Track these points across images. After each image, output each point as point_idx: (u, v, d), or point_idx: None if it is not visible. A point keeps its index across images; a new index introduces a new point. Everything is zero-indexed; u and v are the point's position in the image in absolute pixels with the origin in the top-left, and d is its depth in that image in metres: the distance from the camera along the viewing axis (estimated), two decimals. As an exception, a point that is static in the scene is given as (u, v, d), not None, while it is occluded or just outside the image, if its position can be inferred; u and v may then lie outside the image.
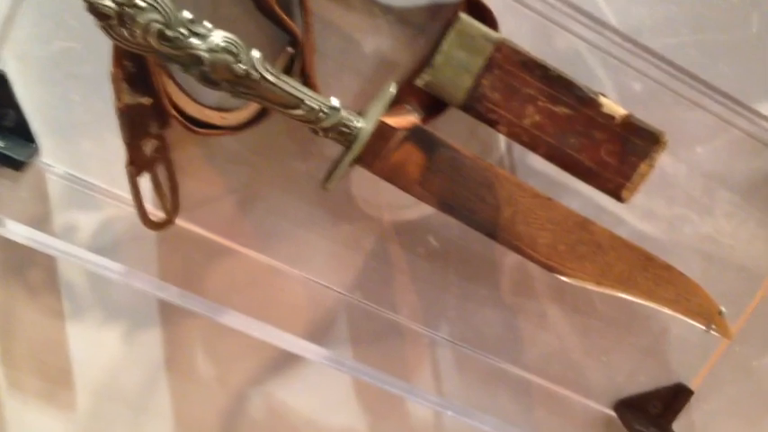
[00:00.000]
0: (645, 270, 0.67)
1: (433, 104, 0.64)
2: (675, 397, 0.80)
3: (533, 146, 0.63)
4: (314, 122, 0.57)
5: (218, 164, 0.66)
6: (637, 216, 0.72)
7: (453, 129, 0.65)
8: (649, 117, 0.63)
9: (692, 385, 0.79)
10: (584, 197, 0.70)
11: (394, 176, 0.61)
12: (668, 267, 0.67)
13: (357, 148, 0.58)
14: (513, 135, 0.62)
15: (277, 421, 0.75)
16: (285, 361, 0.74)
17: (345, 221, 0.70)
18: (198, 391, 0.73)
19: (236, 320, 0.65)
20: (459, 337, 0.75)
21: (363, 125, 0.58)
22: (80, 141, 0.63)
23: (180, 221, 0.66)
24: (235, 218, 0.68)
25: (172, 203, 0.64)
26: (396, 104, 0.64)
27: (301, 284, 0.71)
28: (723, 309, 0.69)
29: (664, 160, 0.70)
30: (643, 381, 0.79)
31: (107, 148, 0.62)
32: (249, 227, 0.68)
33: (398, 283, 0.72)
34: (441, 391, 0.76)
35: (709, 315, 0.69)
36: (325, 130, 0.58)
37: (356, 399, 0.76)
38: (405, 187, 0.61)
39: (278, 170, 0.67)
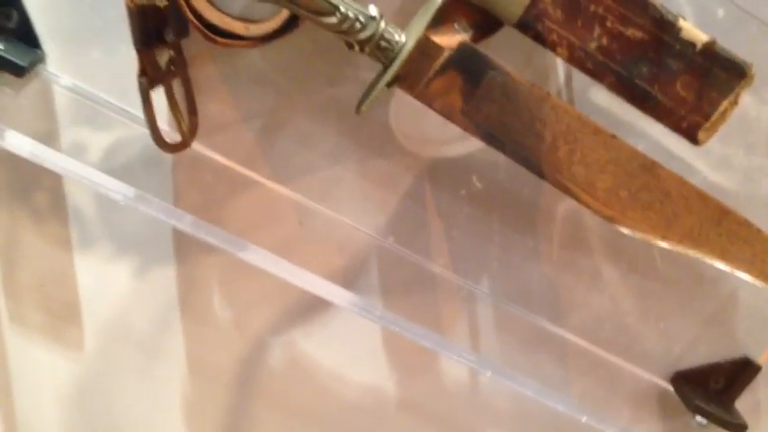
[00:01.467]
0: (718, 225, 0.60)
1: (485, 22, 0.57)
2: (741, 372, 0.73)
3: (598, 75, 0.56)
4: (349, 33, 0.51)
5: (241, 84, 0.60)
6: (709, 164, 0.65)
7: (507, 52, 0.58)
8: (731, 50, 0.56)
9: (761, 360, 0.72)
10: (650, 139, 0.63)
11: (437, 102, 0.55)
12: (746, 224, 0.60)
13: (397, 66, 0.52)
14: (576, 61, 0.55)
15: (298, 372, 0.70)
16: (309, 308, 0.69)
17: (380, 156, 0.64)
18: (214, 336, 0.68)
19: (257, 256, 0.60)
20: (501, 292, 0.69)
21: (405, 40, 0.52)
22: (89, 50, 0.58)
23: (198, 146, 0.61)
24: (258, 145, 0.62)
25: (189, 125, 0.59)
26: (444, 22, 0.57)
27: (329, 224, 0.65)
28: (805, 274, 0.62)
29: (745, 101, 0.62)
30: (704, 352, 0.72)
31: (119, 60, 0.56)
32: (274, 156, 0.63)
33: (436, 229, 0.66)
34: (477, 351, 0.70)
35: (789, 281, 0.62)
36: (362, 44, 0.52)
37: (385, 353, 0.71)
38: (448, 114, 0.55)
39: (308, 95, 0.61)
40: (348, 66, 0.60)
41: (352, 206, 0.65)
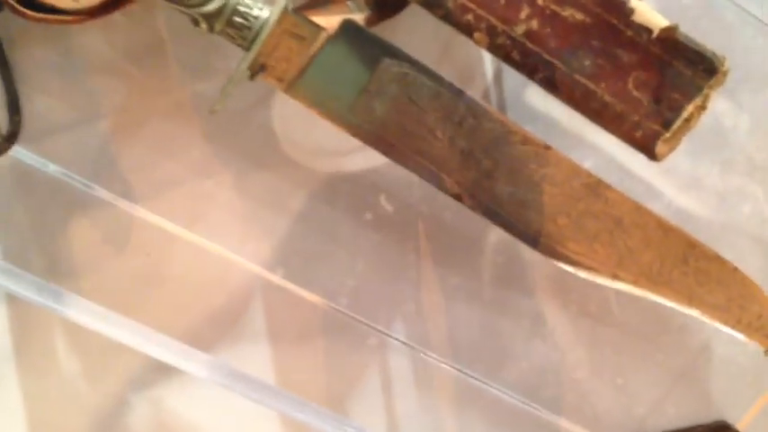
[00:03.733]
0: (684, 262, 0.49)
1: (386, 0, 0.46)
2: (715, 439, 0.62)
3: (528, 68, 0.45)
4: (191, 5, 0.40)
5: (79, 75, 0.49)
6: (676, 185, 0.55)
7: (416, 40, 0.47)
8: (699, 39, 0.45)
9: (740, 425, 0.62)
10: (601, 154, 0.53)
11: (313, 101, 0.43)
12: (719, 260, 0.50)
13: (255, 50, 0.41)
14: (499, 49, 0.45)
15: (168, 436, 0.59)
16: (181, 357, 0.57)
17: (263, 169, 0.53)
18: (59, 391, 0.56)
19: (90, 316, 0.48)
20: (420, 340, 0.58)
21: (267, 15, 0.41)
22: None
23: (24, 153, 0.50)
24: (104, 154, 0.51)
25: (9, 124, 0.48)
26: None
27: (201, 254, 0.54)
28: (793, 324, 0.52)
29: (719, 107, 0.52)
30: (673, 414, 0.62)
31: None
32: (125, 168, 0.51)
33: (336, 261, 0.55)
34: (393, 413, 0.59)
35: (772, 331, 0.52)
36: (210, 20, 0.41)
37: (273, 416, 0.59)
38: (332, 116, 0.44)
39: (168, 90, 0.50)
40: (216, 54, 0.49)
41: (228, 231, 0.54)
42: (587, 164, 0.53)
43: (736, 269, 0.50)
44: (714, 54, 0.45)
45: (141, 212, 0.52)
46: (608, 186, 0.47)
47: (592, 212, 0.47)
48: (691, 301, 0.50)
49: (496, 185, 0.46)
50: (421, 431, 0.60)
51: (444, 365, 0.58)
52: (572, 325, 0.58)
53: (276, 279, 0.55)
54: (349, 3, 0.47)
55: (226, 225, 0.54)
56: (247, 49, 0.42)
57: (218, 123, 0.51)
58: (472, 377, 0.59)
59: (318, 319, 0.56)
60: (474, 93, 0.50)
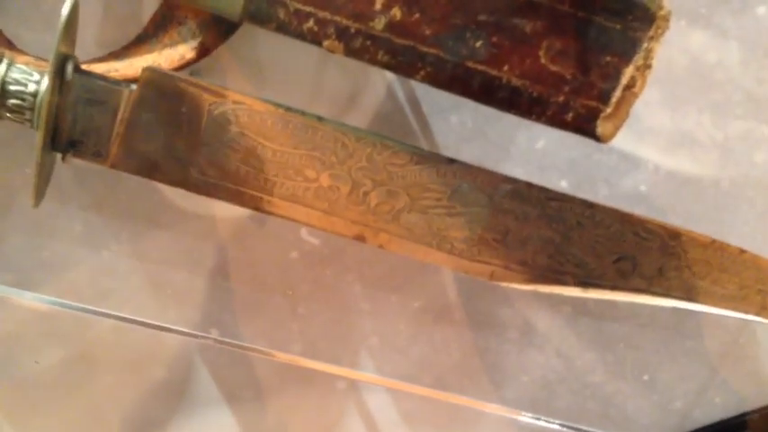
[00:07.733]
0: (674, 256, 0.39)
1: (217, 18, 0.37)
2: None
3: (404, 68, 0.36)
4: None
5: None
6: (659, 146, 0.43)
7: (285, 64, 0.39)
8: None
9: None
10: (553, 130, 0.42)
11: (150, 167, 0.36)
12: (716, 245, 0.39)
13: (41, 133, 0.33)
14: (360, 54, 0.35)
15: None
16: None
17: (158, 228, 0.46)
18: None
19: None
20: (394, 372, 0.50)
21: (44, 85, 0.33)
22: None
23: None
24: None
25: None
26: (164, 27, 0.39)
27: (122, 331, 0.48)
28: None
29: (694, 41, 0.41)
30: (719, 403, 0.51)
31: None
32: (8, 257, 0.46)
33: (273, 308, 0.48)
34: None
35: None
36: (-17, 107, 0.33)
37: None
38: (178, 181, 0.36)
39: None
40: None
41: (143, 301, 0.47)
42: (539, 145, 0.44)
43: (742, 251, 0.39)
44: (647, -5, 0.34)
45: (44, 303, 0.47)
46: (544, 189, 0.37)
47: (534, 223, 0.38)
48: (691, 296, 0.40)
49: (402, 216, 0.37)
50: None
51: (429, 395, 0.51)
52: (570, 328, 0.49)
53: (212, 340, 0.49)
54: (180, 29, 0.38)
55: (137, 295, 0.47)
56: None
57: (91, 190, 0.44)
58: (466, 401, 0.51)
59: (274, 371, 0.50)
60: (377, 92, 0.41)
